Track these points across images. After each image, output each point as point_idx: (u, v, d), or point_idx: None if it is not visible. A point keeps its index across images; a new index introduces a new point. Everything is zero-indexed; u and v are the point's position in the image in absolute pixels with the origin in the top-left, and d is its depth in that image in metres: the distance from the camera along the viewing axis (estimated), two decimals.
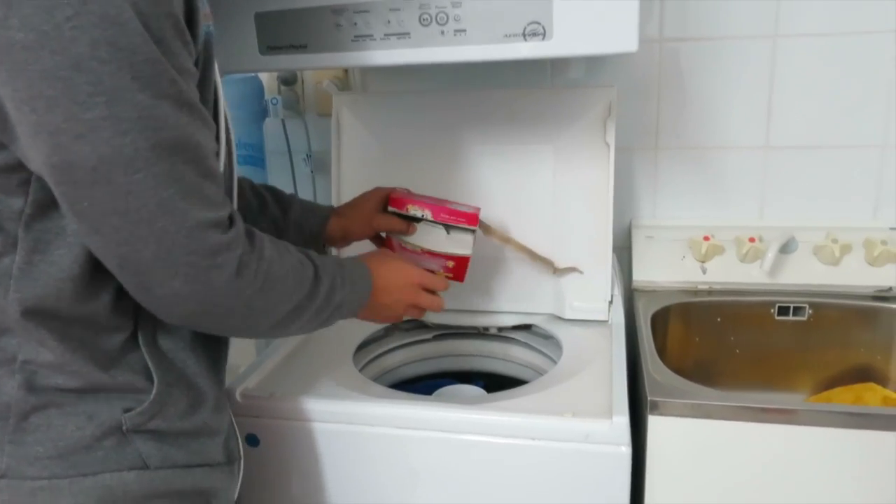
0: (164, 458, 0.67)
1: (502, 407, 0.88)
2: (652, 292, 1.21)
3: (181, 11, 0.57)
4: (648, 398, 0.86)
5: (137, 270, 0.59)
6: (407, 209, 0.99)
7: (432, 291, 0.93)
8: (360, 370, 1.13)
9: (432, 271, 0.99)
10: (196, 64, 0.61)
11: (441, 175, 1.17)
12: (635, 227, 1.28)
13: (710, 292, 1.21)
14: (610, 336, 1.07)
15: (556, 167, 1.13)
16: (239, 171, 1.00)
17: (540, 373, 1.16)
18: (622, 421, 0.81)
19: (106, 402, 0.65)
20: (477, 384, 1.22)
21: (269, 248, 0.68)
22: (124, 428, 0.65)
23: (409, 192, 1.04)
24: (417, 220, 0.99)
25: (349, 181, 1.19)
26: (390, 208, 1.00)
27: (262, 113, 1.31)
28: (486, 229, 1.09)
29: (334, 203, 1.19)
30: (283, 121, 1.35)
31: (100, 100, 0.52)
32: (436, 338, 1.24)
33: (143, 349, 0.66)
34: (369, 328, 1.18)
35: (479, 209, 1.02)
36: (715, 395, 0.89)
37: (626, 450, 0.81)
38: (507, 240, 1.11)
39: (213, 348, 0.74)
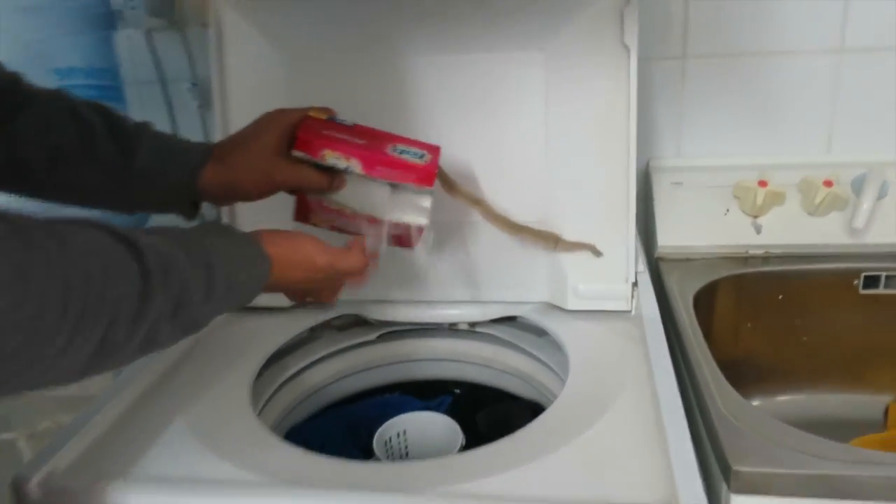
0: None
1: (497, 483, 0.52)
2: (685, 263, 0.86)
3: None
4: (732, 468, 0.51)
5: None
6: (323, 157, 0.61)
7: None
8: (274, 394, 0.78)
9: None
10: None
11: (374, 103, 0.78)
12: (655, 171, 0.91)
13: (766, 259, 0.86)
14: (638, 335, 0.72)
15: (549, 86, 0.75)
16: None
17: (529, 382, 0.82)
18: None
19: None
20: (443, 401, 0.87)
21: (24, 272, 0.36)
22: None
23: (330, 114, 0.65)
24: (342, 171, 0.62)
25: (241, 116, 0.79)
26: (296, 152, 0.61)
27: (109, 20, 0.89)
28: (450, 186, 0.72)
29: None
30: (148, 34, 0.94)
31: None
32: (382, 338, 0.88)
33: None
34: (285, 333, 0.81)
35: (438, 149, 0.64)
36: (842, 451, 0.53)
37: None
38: (477, 202, 0.74)
39: None
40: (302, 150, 0.61)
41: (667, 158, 0.93)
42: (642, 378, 0.64)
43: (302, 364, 0.83)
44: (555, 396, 0.80)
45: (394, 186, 0.64)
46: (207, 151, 0.62)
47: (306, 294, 0.61)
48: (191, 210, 0.63)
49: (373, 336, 0.88)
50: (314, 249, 0.57)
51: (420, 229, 0.64)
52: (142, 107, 0.96)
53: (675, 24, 0.88)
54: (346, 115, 0.67)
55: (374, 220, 0.64)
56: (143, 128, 0.62)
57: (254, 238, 0.54)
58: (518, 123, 0.76)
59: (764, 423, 0.55)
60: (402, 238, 0.66)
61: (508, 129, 0.77)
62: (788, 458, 0.50)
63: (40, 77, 0.60)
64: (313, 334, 0.86)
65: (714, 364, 0.64)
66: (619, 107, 0.74)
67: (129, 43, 0.93)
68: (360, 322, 0.88)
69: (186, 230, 0.50)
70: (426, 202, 0.64)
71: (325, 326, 0.87)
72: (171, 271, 0.44)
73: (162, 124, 0.91)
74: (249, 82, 0.81)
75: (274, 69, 0.80)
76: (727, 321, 0.84)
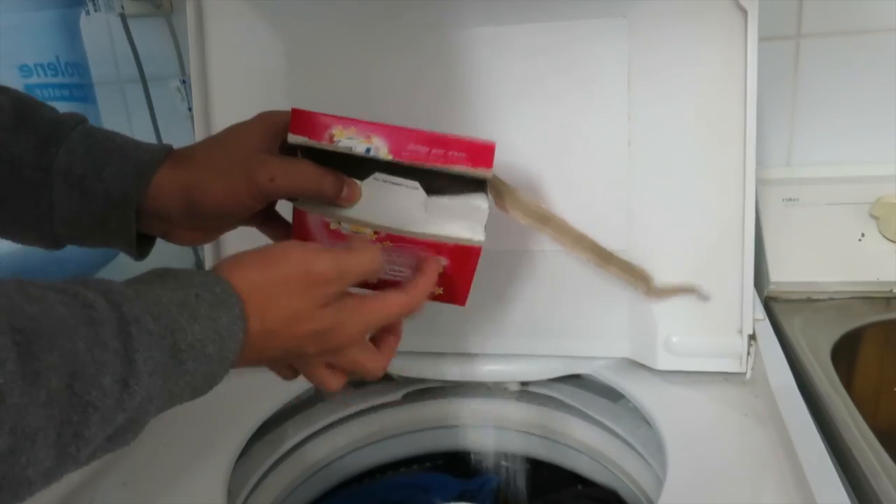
0: None
1: None
2: (806, 305, 0.65)
3: None
4: None
5: None
6: (331, 137, 0.42)
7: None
8: (266, 475, 0.62)
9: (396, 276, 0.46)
10: None
11: (407, 95, 0.60)
12: (761, 184, 0.70)
13: None
14: (761, 409, 0.52)
15: (633, 64, 0.56)
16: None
17: (600, 461, 0.63)
18: None
19: None
20: (486, 482, 0.67)
21: None
22: None
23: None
24: (360, 164, 0.43)
25: (227, 113, 0.61)
26: (293, 136, 0.43)
27: (73, 4, 0.72)
28: (507, 197, 0.51)
29: None
30: (122, 18, 0.77)
31: None
32: (408, 399, 0.69)
33: None
34: (280, 392, 0.63)
35: (492, 145, 0.45)
36: None
37: None
38: (546, 219, 0.54)
39: None
40: (300, 133, 0.42)
41: (775, 168, 0.72)
42: (782, 478, 0.44)
43: (303, 433, 0.65)
44: (635, 483, 0.61)
45: (429, 186, 0.44)
46: (162, 150, 0.44)
47: (321, 344, 0.40)
48: (139, 241, 0.44)
49: (397, 395, 0.69)
50: (304, 255, 0.37)
51: (471, 250, 0.45)
52: (116, 111, 0.79)
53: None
54: (366, 110, 0.48)
55: (399, 240, 0.45)
56: (72, 120, 0.43)
57: (214, 273, 0.35)
58: (590, 117, 0.57)
59: None
60: (453, 282, 0.46)
61: (579, 124, 0.57)
62: None
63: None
64: (319, 393, 0.68)
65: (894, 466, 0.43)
66: (730, 93, 0.54)
67: (91, 29, 0.76)
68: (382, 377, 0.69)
69: (88, 280, 0.31)
70: (480, 207, 0.45)
71: None
72: (49, 346, 0.26)
73: (143, 133, 0.73)
74: (238, 69, 0.63)
75: (271, 50, 0.62)
76: (869, 385, 0.63)
